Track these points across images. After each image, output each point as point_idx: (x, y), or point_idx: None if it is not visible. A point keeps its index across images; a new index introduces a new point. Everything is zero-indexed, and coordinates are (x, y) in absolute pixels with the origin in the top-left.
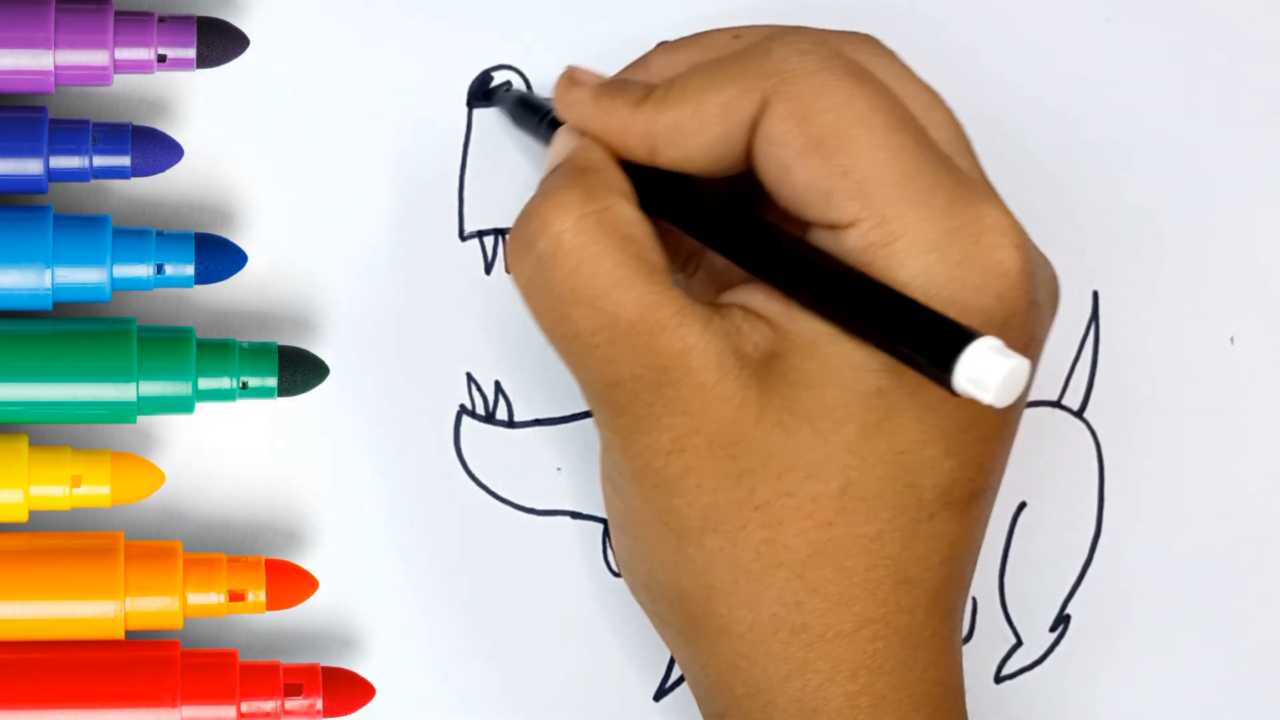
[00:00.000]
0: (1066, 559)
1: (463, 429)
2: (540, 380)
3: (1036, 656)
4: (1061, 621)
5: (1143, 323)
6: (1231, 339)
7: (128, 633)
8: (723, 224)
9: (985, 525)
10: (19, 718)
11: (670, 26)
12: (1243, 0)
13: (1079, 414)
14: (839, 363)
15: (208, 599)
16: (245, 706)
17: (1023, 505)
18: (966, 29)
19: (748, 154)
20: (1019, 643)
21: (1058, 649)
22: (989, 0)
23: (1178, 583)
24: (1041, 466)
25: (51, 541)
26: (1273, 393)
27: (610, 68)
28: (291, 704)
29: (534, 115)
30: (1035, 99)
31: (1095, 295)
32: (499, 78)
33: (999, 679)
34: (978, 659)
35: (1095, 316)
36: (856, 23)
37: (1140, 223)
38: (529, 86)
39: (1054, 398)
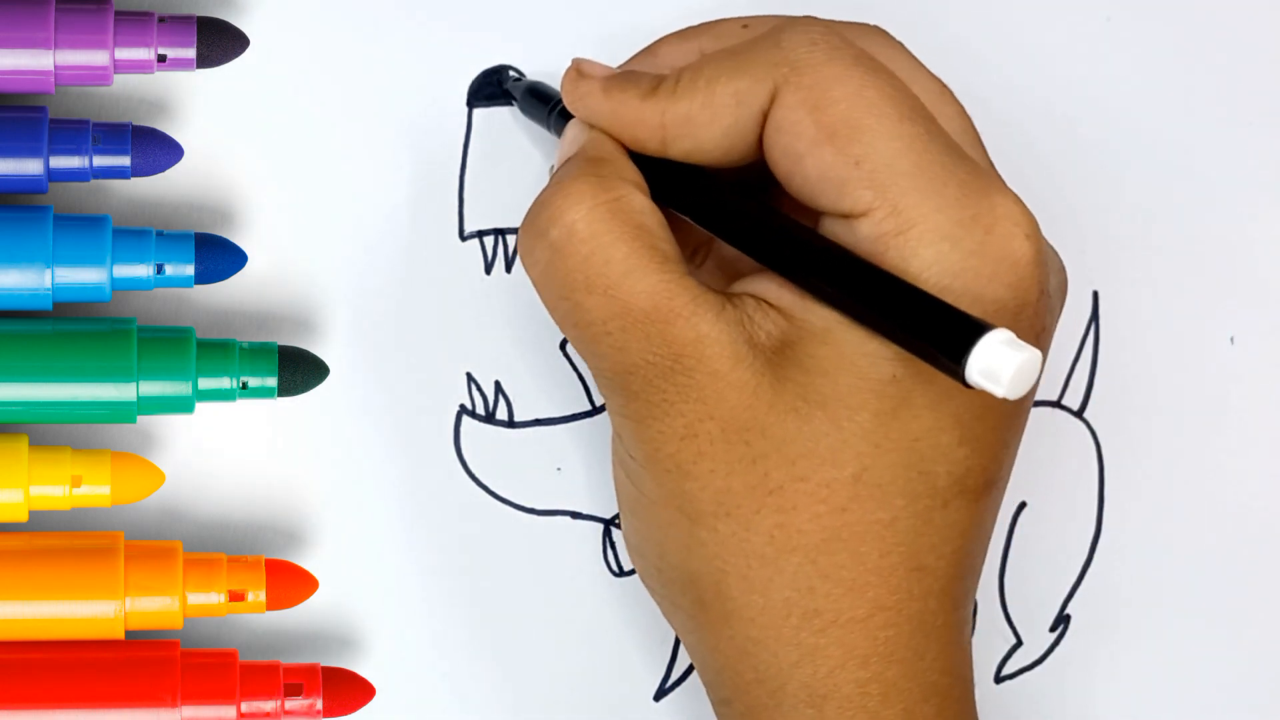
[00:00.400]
0: (1066, 559)
1: (463, 429)
2: (540, 380)
3: (1036, 656)
4: (1061, 621)
5: (1143, 323)
6: (1231, 339)
7: (128, 633)
8: (735, 215)
9: (995, 517)
10: (19, 718)
11: (670, 26)
12: (1243, 0)
13: (1079, 414)
14: (853, 350)
15: (208, 599)
16: (245, 706)
17: (1023, 505)
18: (965, 28)
19: (759, 144)
20: (1019, 643)
21: (1058, 649)
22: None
23: (1177, 583)
24: (1041, 466)
25: (51, 541)
26: (1273, 393)
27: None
28: (291, 704)
29: (543, 105)
30: (1035, 99)
31: (1095, 295)
32: (508, 68)
33: (999, 679)
34: (978, 659)
35: (1095, 316)
36: (852, 18)
37: (1140, 223)
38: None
39: (1054, 398)
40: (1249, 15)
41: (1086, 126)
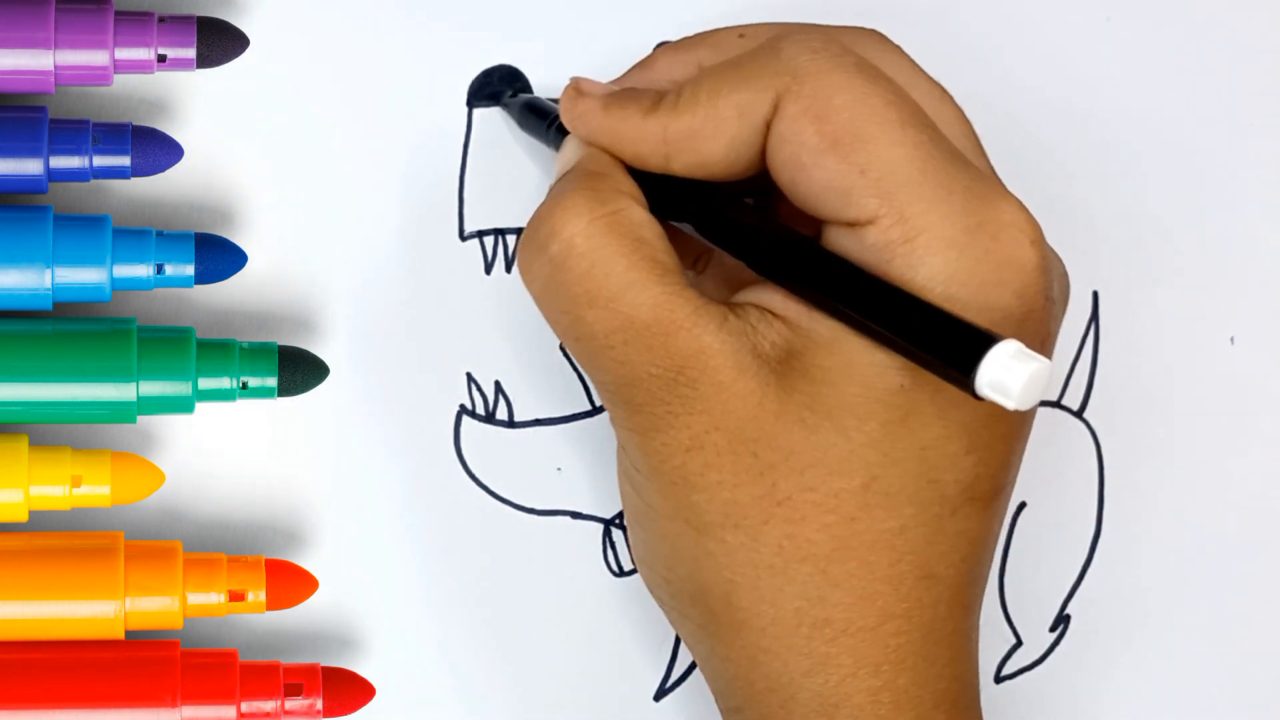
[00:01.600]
0: (1066, 559)
1: (463, 429)
2: (540, 380)
3: (1036, 656)
4: (1061, 621)
5: (1143, 323)
6: (1231, 339)
7: (128, 633)
8: (739, 229)
9: (1003, 523)
10: (19, 718)
11: (669, 25)
12: (1243, 0)
13: (1079, 414)
14: (860, 360)
15: (208, 599)
16: (245, 706)
17: (1023, 505)
18: (961, 28)
19: (761, 156)
20: (1019, 643)
21: (1058, 649)
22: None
23: (1177, 583)
24: (1041, 466)
25: (51, 541)
26: (1273, 393)
27: (610, 68)
28: (291, 704)
29: (541, 120)
30: (1034, 99)
31: (1095, 295)
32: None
33: (999, 679)
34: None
35: (1095, 316)
36: (846, 20)
37: (1140, 223)
38: (529, 88)
39: (1054, 398)
40: (1249, 15)
41: (1086, 126)
